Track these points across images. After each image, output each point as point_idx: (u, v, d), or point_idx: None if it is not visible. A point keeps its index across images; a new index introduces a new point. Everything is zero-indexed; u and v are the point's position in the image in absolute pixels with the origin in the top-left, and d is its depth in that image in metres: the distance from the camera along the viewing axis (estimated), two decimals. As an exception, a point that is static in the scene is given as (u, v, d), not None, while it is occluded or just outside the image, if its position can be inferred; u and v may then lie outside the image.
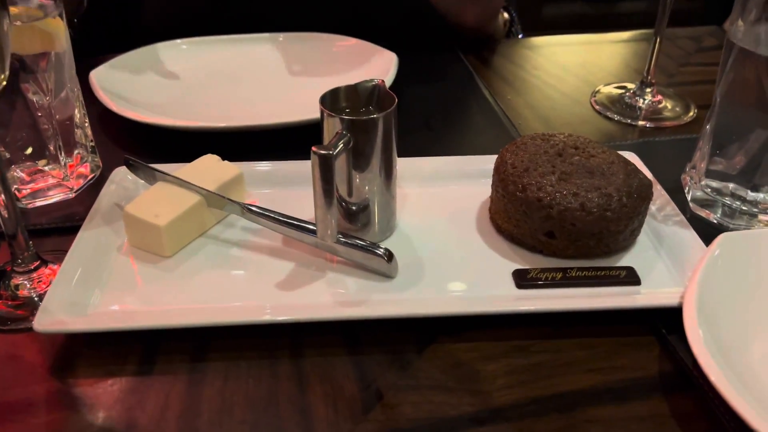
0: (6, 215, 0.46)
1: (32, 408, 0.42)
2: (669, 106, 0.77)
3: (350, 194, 0.51)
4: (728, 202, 0.56)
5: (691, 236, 0.52)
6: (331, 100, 0.50)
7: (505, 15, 1.04)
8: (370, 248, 0.49)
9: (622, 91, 0.79)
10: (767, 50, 0.50)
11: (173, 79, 0.77)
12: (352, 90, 0.51)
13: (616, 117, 0.75)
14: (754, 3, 0.49)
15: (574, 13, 2.50)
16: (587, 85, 0.82)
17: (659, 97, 0.77)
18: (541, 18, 2.65)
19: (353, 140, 0.48)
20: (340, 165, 0.49)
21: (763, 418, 0.36)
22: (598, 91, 0.80)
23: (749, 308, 0.44)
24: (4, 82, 0.42)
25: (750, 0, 0.50)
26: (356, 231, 0.52)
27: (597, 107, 0.77)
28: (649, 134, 0.72)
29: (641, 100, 0.76)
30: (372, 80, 0.51)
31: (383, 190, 0.51)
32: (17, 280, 0.49)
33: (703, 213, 0.57)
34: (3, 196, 0.45)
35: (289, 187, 0.59)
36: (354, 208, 0.51)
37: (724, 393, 0.38)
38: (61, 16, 0.55)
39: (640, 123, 0.74)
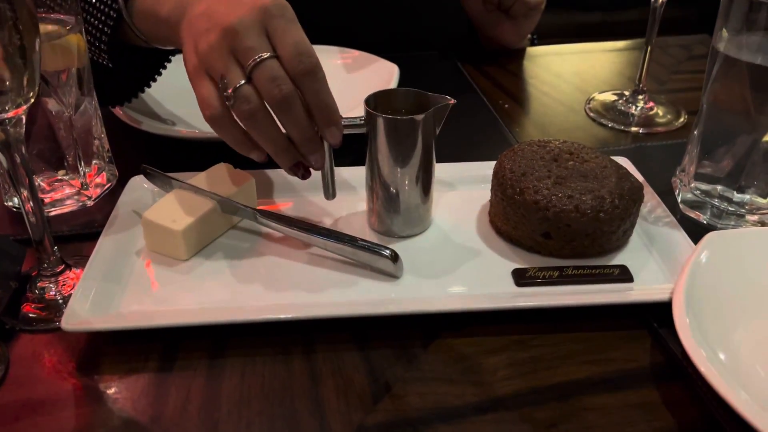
0: (34, 221, 0.48)
1: (61, 402, 0.44)
2: (660, 112, 0.79)
3: (391, 182, 0.54)
4: (716, 204, 0.59)
5: (680, 236, 0.55)
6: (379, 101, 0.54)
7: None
8: (376, 250, 0.52)
9: (616, 98, 0.82)
10: (750, 58, 0.53)
11: (186, 91, 0.79)
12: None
13: (610, 124, 0.78)
14: (737, 12, 0.52)
15: (570, 22, 2.53)
16: (582, 93, 0.85)
17: (651, 104, 0.80)
18: (538, 27, 2.70)
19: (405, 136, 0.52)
20: (383, 151, 0.53)
21: (748, 405, 0.39)
22: (592, 99, 0.83)
23: (734, 302, 0.47)
24: (33, 99, 0.45)
25: (733, 9, 0.53)
26: (390, 219, 0.56)
27: (591, 114, 0.80)
28: (642, 140, 0.75)
29: (634, 107, 0.79)
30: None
31: (421, 187, 0.55)
32: (43, 283, 0.51)
33: (692, 214, 0.60)
34: (31, 203, 0.48)
35: (297, 192, 0.61)
36: (395, 197, 0.55)
37: (710, 380, 0.40)
38: (80, 32, 0.58)
39: (633, 129, 0.77)
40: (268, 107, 0.51)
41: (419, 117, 0.52)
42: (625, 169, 0.56)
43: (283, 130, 0.52)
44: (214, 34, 0.50)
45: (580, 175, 0.54)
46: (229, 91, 0.50)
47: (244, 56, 0.50)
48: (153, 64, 0.70)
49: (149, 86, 0.72)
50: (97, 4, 0.62)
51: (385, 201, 0.55)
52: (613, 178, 0.54)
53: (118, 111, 0.71)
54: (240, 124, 0.52)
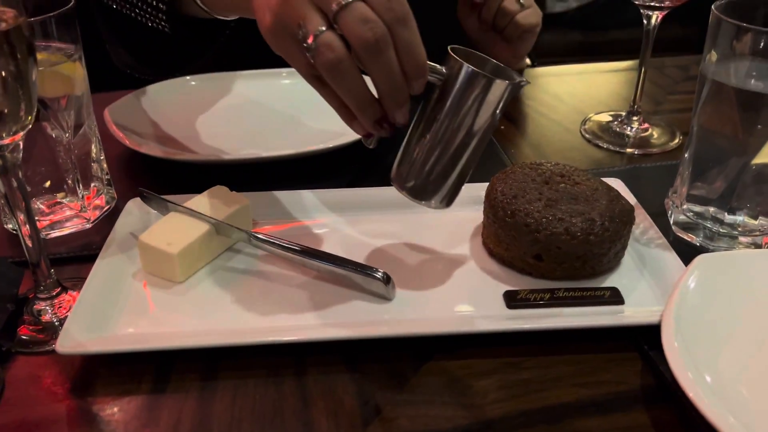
0: (31, 245, 0.49)
1: (55, 424, 0.45)
2: (655, 134, 0.80)
3: (446, 144, 0.50)
4: (709, 225, 0.59)
5: (672, 258, 0.55)
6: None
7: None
8: (369, 272, 0.52)
9: (611, 119, 0.83)
10: (737, 82, 0.53)
11: (183, 114, 0.81)
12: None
13: (605, 145, 0.78)
14: (724, 37, 0.53)
15: (570, 42, 2.55)
16: (578, 113, 0.86)
17: (646, 125, 0.80)
18: (539, 47, 2.71)
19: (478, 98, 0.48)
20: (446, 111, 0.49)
21: (735, 429, 0.39)
22: (588, 120, 0.84)
23: (724, 325, 0.47)
24: (30, 125, 0.46)
25: (720, 34, 0.53)
26: (423, 183, 0.52)
27: (587, 135, 0.81)
28: (637, 161, 0.75)
29: (629, 129, 0.80)
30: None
31: (469, 158, 0.51)
32: (40, 305, 0.52)
33: (685, 236, 0.60)
34: (28, 226, 0.49)
35: (292, 215, 0.62)
36: (442, 160, 0.51)
37: (698, 405, 0.41)
38: (80, 59, 0.59)
39: (628, 150, 0.77)
40: (357, 54, 0.46)
41: (510, 81, 0.48)
42: (617, 191, 0.57)
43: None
44: None
45: (571, 197, 0.54)
46: (309, 40, 0.45)
47: (326, 1, 0.45)
48: (209, 35, 0.66)
49: (205, 57, 0.68)
50: None
51: (427, 157, 0.51)
52: (603, 200, 0.54)
53: (118, 133, 0.72)
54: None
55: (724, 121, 0.54)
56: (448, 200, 0.53)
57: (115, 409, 0.46)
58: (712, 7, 0.53)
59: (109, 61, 0.80)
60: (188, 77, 0.85)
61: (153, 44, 0.62)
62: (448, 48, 0.49)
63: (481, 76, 0.48)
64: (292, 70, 0.84)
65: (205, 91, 0.85)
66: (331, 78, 0.47)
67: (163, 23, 0.61)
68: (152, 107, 0.81)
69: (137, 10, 0.62)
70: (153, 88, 0.83)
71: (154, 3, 0.60)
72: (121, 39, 0.67)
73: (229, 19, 0.61)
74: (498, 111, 0.50)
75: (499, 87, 0.48)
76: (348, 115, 0.50)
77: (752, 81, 0.52)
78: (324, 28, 0.45)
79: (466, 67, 0.48)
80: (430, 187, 0.52)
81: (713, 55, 0.54)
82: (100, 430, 0.44)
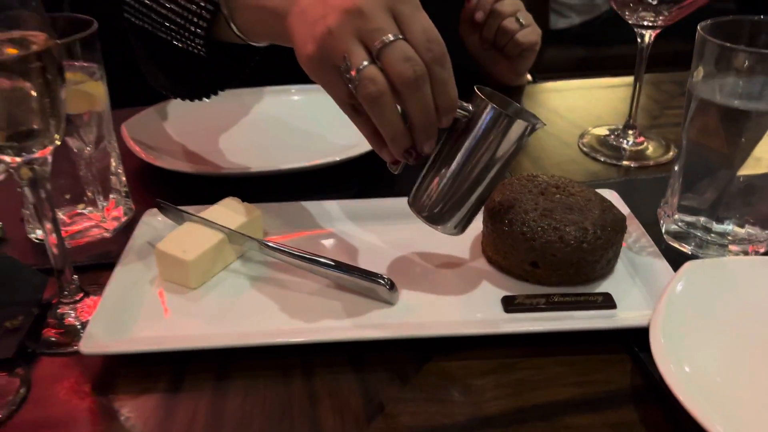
0: (56, 252, 0.53)
1: (77, 421, 0.48)
2: (651, 147, 0.83)
3: (463, 177, 0.54)
4: (699, 234, 0.62)
5: (662, 265, 0.58)
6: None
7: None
8: (373, 278, 0.55)
9: (608, 133, 0.86)
10: (723, 100, 0.56)
11: (196, 129, 0.84)
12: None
13: (602, 158, 0.81)
14: (709, 56, 0.56)
15: (573, 57, 2.59)
16: (576, 128, 0.89)
17: (641, 138, 0.83)
18: (543, 62, 2.75)
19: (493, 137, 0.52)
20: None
21: (720, 426, 0.41)
22: (586, 134, 0.87)
23: (710, 328, 0.50)
24: (59, 141, 0.49)
25: (705, 53, 0.56)
26: (441, 210, 0.55)
27: (585, 149, 0.83)
28: (632, 173, 0.78)
29: (625, 142, 0.83)
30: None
31: (485, 190, 0.55)
32: (63, 309, 0.55)
33: (677, 245, 0.63)
34: (54, 235, 0.52)
35: (301, 224, 0.65)
36: (460, 189, 0.54)
37: (684, 403, 0.43)
38: (101, 78, 0.63)
39: (624, 163, 0.80)
40: (396, 88, 0.49)
41: (530, 123, 0.52)
42: (609, 201, 0.59)
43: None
44: (334, 16, 0.49)
45: (566, 207, 0.57)
46: (353, 72, 0.49)
47: (370, 37, 0.48)
48: (242, 59, 0.69)
49: (236, 80, 0.71)
50: None
51: (446, 186, 0.54)
52: (596, 210, 0.57)
53: (134, 147, 0.75)
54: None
55: (711, 135, 0.57)
56: (463, 227, 0.56)
57: (134, 407, 0.49)
58: (698, 27, 0.56)
59: (127, 78, 0.84)
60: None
61: (188, 67, 0.65)
62: (474, 87, 0.53)
63: (504, 116, 0.52)
64: (302, 87, 0.88)
65: (217, 107, 0.88)
66: (371, 109, 0.50)
67: (199, 47, 0.64)
68: (167, 122, 0.84)
69: (174, 34, 0.65)
70: (168, 104, 0.87)
71: (192, 29, 0.63)
72: (157, 61, 0.71)
73: (260, 45, 0.64)
74: (515, 149, 0.53)
75: (519, 126, 0.52)
76: (379, 143, 0.54)
77: (736, 98, 0.55)
78: (367, 63, 0.48)
79: (491, 107, 0.52)
80: (447, 215, 0.55)
81: (699, 73, 0.57)
82: (119, 426, 0.47)
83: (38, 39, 0.46)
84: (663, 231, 0.64)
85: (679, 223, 0.63)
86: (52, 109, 0.47)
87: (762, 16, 0.57)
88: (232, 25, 0.61)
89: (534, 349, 0.52)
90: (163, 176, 0.74)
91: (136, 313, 0.55)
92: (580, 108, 0.96)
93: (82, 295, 0.56)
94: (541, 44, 0.97)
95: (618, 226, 0.57)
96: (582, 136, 0.86)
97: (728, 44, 0.54)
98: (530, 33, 0.93)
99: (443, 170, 0.54)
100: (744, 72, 0.55)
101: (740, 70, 0.55)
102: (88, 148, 0.64)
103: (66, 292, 0.55)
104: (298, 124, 0.86)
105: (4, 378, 0.50)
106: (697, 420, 0.42)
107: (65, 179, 0.64)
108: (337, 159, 0.73)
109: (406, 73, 0.48)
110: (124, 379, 0.51)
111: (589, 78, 1.07)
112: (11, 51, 0.45)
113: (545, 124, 0.55)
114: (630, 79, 1.03)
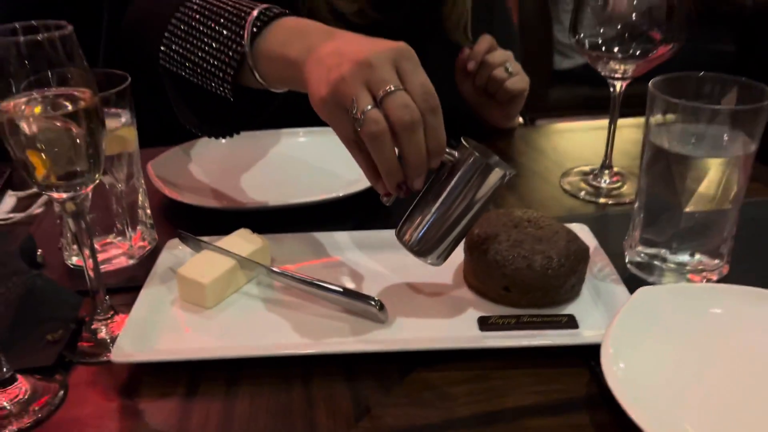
0: (93, 276, 0.61)
1: (107, 420, 0.56)
2: (626, 185, 0.91)
3: (449, 216, 0.62)
4: (659, 264, 0.69)
5: (622, 291, 0.65)
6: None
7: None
8: (365, 300, 0.63)
9: (587, 173, 0.94)
10: (670, 146, 0.64)
11: (213, 167, 0.94)
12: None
13: (581, 195, 0.89)
14: (658, 109, 0.64)
15: (578, 97, 2.67)
16: (559, 167, 0.97)
17: (617, 177, 0.91)
18: (550, 101, 2.84)
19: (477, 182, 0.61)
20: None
21: (653, 424, 0.48)
22: (567, 173, 0.95)
23: (655, 344, 0.57)
24: (98, 180, 0.58)
25: (655, 107, 0.65)
26: (425, 243, 0.62)
27: (566, 187, 0.91)
28: (608, 209, 0.86)
29: (602, 181, 0.91)
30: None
31: (465, 227, 0.62)
32: (96, 325, 0.63)
33: (639, 273, 0.70)
34: (91, 261, 0.61)
35: (304, 253, 0.74)
36: (443, 225, 0.62)
37: (624, 405, 0.50)
38: (132, 124, 0.72)
39: (602, 200, 0.88)
40: (394, 130, 0.57)
41: (505, 171, 0.60)
42: (575, 234, 0.67)
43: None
44: (347, 66, 0.57)
45: (535, 239, 0.65)
46: (359, 114, 0.56)
47: (376, 85, 0.57)
48: (263, 102, 0.79)
49: (257, 120, 0.80)
50: (221, 47, 0.71)
51: (432, 223, 0.62)
52: (562, 241, 0.65)
53: (158, 183, 0.84)
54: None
55: (663, 176, 0.65)
56: (444, 258, 0.64)
57: (156, 409, 0.56)
58: (649, 84, 0.65)
59: (152, 121, 0.94)
60: (219, 136, 0.99)
61: (216, 108, 0.74)
62: (462, 138, 0.62)
63: (484, 164, 0.60)
64: (309, 129, 0.97)
65: (231, 148, 0.98)
66: (372, 145, 0.58)
67: (227, 91, 0.74)
68: (188, 161, 0.94)
69: (205, 80, 0.75)
70: (188, 146, 0.96)
71: (221, 75, 0.72)
72: (188, 102, 0.81)
73: (279, 91, 0.74)
74: (491, 193, 0.62)
75: (496, 174, 0.61)
76: (375, 177, 0.62)
77: (681, 144, 0.63)
78: (371, 107, 0.57)
79: (474, 155, 0.60)
80: (431, 247, 0.63)
81: (652, 123, 0.66)
82: (143, 425, 0.55)
83: (85, 95, 0.55)
84: (627, 261, 0.72)
85: (641, 255, 0.71)
86: (94, 153, 0.56)
87: (703, 73, 0.65)
88: (256, 73, 0.70)
89: (504, 363, 0.59)
90: (183, 210, 0.83)
91: (159, 328, 0.63)
92: (564, 149, 1.04)
93: (112, 312, 0.64)
94: (547, 84, 1.05)
95: (581, 256, 0.65)
96: (564, 175, 0.94)
97: (672, 99, 0.62)
98: (518, 81, 1.02)
99: (428, 208, 0.62)
100: (687, 122, 0.63)
101: (684, 120, 0.63)
102: (120, 185, 0.73)
103: (99, 310, 0.63)
104: (304, 163, 0.95)
105: (45, 383, 0.58)
106: (634, 421, 0.49)
107: (99, 212, 0.73)
108: (339, 195, 0.82)
109: (404, 118, 0.56)
110: (147, 385, 0.59)
111: (596, 116, 1.14)
112: (65, 103, 0.54)
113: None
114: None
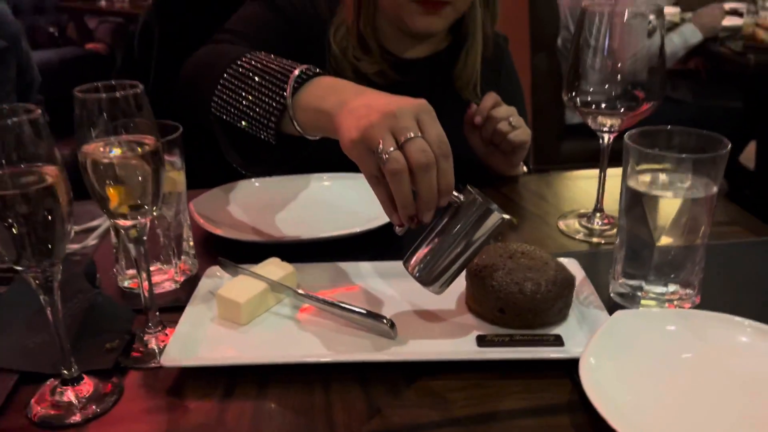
0: (147, 295, 0.72)
1: (156, 417, 0.66)
2: (616, 226, 1.00)
3: (452, 252, 0.71)
4: (639, 294, 0.78)
5: (604, 315, 0.74)
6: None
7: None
8: (378, 319, 0.73)
9: (582, 216, 1.03)
10: (644, 189, 0.74)
11: (248, 206, 1.05)
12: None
13: (576, 236, 0.99)
14: (633, 158, 0.75)
15: (590, 148, 2.76)
16: (557, 210, 1.07)
17: (608, 219, 1.01)
18: (562, 152, 2.96)
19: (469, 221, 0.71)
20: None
21: (623, 425, 0.57)
22: (564, 216, 1.05)
23: (627, 359, 0.66)
24: (156, 213, 0.69)
25: (630, 156, 0.75)
26: (429, 273, 0.72)
27: (562, 228, 1.01)
28: (599, 248, 0.95)
29: (595, 223, 1.01)
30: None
31: (465, 260, 0.72)
32: (147, 337, 0.74)
33: (622, 302, 0.79)
34: (147, 282, 0.72)
35: (327, 279, 0.84)
36: (445, 259, 0.72)
37: (598, 409, 0.59)
38: (182, 168, 0.84)
39: (594, 240, 0.98)
40: (411, 170, 0.67)
41: (502, 216, 0.70)
42: (563, 265, 0.77)
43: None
44: (375, 115, 0.68)
45: (527, 268, 0.75)
46: (384, 154, 0.67)
47: (399, 132, 0.68)
48: (300, 146, 0.91)
49: (295, 162, 0.92)
50: (267, 98, 0.84)
51: (436, 256, 0.72)
52: (551, 271, 0.75)
53: (199, 219, 0.96)
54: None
55: (638, 216, 0.75)
56: (445, 287, 0.74)
57: (197, 408, 0.66)
58: (625, 136, 0.75)
59: (193, 168, 1.06)
60: (253, 179, 1.11)
61: (259, 150, 0.86)
62: (467, 185, 0.73)
63: (486, 208, 0.71)
64: (333, 174, 1.10)
65: (264, 190, 1.09)
66: (392, 181, 0.68)
67: (270, 136, 0.87)
68: (225, 201, 1.06)
69: (250, 126, 0.87)
70: (226, 187, 1.08)
71: (265, 122, 0.85)
72: (234, 145, 0.93)
73: (313, 138, 0.86)
74: (489, 234, 0.72)
75: (494, 217, 0.71)
76: (391, 208, 0.73)
77: (652, 188, 0.73)
78: (394, 149, 0.68)
79: (478, 199, 0.71)
80: (435, 277, 0.73)
81: (628, 170, 0.76)
82: (186, 422, 0.65)
83: (150, 141, 0.67)
84: (611, 292, 0.81)
85: (624, 286, 0.80)
86: (155, 189, 0.68)
87: (670, 127, 0.76)
88: (294, 122, 0.83)
89: (498, 373, 0.68)
90: (220, 242, 0.94)
91: (201, 339, 0.73)
92: (563, 195, 1.14)
93: (161, 327, 0.75)
94: (559, 137, 1.15)
95: (567, 283, 0.74)
96: (561, 217, 1.04)
97: (645, 149, 0.73)
98: (521, 134, 1.12)
99: (434, 242, 0.73)
100: (657, 168, 0.73)
101: (654, 168, 0.73)
102: (168, 220, 0.84)
103: (151, 324, 0.74)
104: (328, 203, 1.06)
105: (104, 383, 0.68)
106: (608, 423, 0.58)
107: (150, 242, 0.84)
108: (358, 230, 0.92)
109: (421, 160, 0.67)
110: (190, 387, 0.68)
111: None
112: (135, 147, 0.66)
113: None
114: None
